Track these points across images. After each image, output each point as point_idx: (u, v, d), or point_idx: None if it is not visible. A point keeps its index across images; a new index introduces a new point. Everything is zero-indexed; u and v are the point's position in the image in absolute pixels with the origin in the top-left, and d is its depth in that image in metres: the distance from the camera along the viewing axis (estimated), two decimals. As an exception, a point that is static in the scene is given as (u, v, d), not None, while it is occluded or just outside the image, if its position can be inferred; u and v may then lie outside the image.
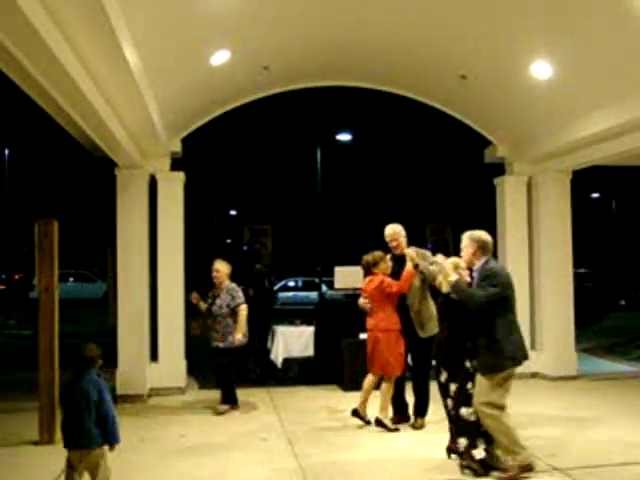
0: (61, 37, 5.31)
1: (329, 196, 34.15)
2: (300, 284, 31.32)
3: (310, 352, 10.59)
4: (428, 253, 7.86)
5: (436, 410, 7.32)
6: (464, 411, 5.90)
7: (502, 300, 5.82)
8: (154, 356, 10.07)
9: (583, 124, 9.14)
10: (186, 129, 10.43)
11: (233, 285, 8.86)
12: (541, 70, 8.56)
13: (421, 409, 7.72)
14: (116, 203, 9.79)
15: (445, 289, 6.09)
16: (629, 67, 7.64)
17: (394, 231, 7.85)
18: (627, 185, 12.22)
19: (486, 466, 5.82)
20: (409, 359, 7.92)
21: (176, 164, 10.49)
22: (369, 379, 7.65)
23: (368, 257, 7.67)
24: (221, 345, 8.63)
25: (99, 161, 9.79)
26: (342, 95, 12.24)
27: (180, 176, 10.34)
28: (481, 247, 6.03)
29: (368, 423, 7.59)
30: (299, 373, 11.15)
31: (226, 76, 9.02)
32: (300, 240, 37.31)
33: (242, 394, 9.82)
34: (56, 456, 6.62)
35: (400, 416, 7.82)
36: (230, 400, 8.75)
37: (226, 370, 8.69)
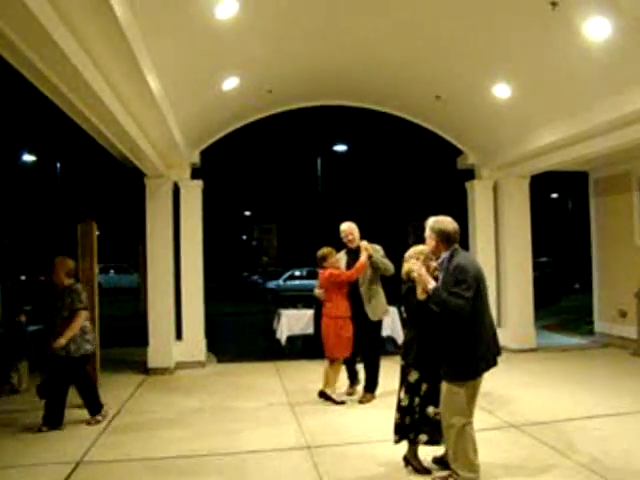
0: (96, 71, 5.45)
1: (328, 198, 34.29)
2: (305, 273, 31.33)
3: (310, 330, 10.64)
4: (378, 247, 7.60)
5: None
6: (431, 410, 4.97)
7: (475, 297, 4.61)
8: (179, 335, 10.15)
9: (538, 136, 9.20)
10: (204, 143, 10.49)
11: (76, 286, 6.63)
12: (502, 91, 8.62)
13: (371, 386, 7.49)
14: (145, 207, 9.87)
15: (422, 297, 4.88)
16: (576, 87, 7.70)
17: (349, 227, 7.67)
18: (580, 187, 12.37)
19: (443, 463, 4.98)
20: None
21: (196, 173, 10.54)
22: (327, 363, 7.44)
23: (319, 252, 7.47)
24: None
25: (131, 171, 9.87)
26: (339, 112, 12.25)
27: (199, 184, 10.40)
28: (443, 239, 4.82)
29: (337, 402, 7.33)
30: (301, 348, 11.21)
31: (236, 99, 9.08)
32: (304, 235, 37.37)
33: (252, 368, 10.00)
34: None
35: (352, 387, 7.76)
36: (49, 422, 6.38)
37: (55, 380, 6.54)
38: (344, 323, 7.25)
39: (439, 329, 4.77)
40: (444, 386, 4.73)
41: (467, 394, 4.66)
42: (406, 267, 5.12)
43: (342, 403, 7.31)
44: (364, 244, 7.38)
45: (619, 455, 5.28)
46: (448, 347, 4.71)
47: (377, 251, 7.53)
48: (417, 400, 5.02)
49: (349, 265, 7.50)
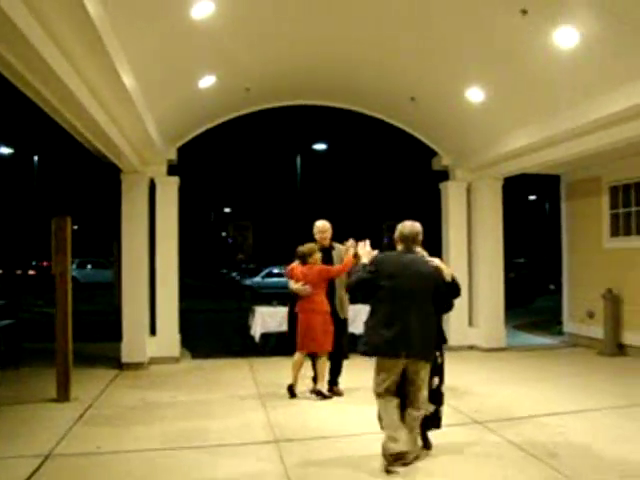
0: (72, 69, 5.52)
1: (306, 196, 34.39)
2: (283, 271, 31.43)
3: (284, 328, 10.69)
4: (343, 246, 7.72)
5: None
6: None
7: (377, 289, 5.14)
8: (153, 331, 10.19)
9: (510, 140, 9.41)
10: (180, 140, 10.52)
11: None
12: (475, 95, 8.80)
13: (336, 379, 7.73)
14: (121, 202, 9.91)
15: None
16: (546, 93, 7.90)
17: (324, 225, 7.76)
18: (555, 189, 12.58)
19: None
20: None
21: (172, 170, 10.58)
22: (299, 357, 7.57)
23: (304, 249, 7.53)
24: None
25: (108, 167, 9.89)
26: (319, 111, 12.36)
27: (175, 180, 10.44)
28: (398, 239, 5.39)
29: (296, 396, 7.51)
30: (276, 346, 11.24)
31: (213, 96, 9.14)
32: (283, 233, 37.43)
33: (226, 363, 10.09)
34: (69, 411, 6.92)
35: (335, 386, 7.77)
36: None
37: None
38: (329, 318, 7.43)
39: None
40: None
41: (375, 367, 5.23)
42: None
43: (331, 397, 7.49)
44: (350, 242, 7.39)
45: (577, 450, 5.46)
46: None
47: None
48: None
49: (323, 262, 7.59)
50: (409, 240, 5.32)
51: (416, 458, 5.19)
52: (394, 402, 5.16)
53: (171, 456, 5.51)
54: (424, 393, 5.21)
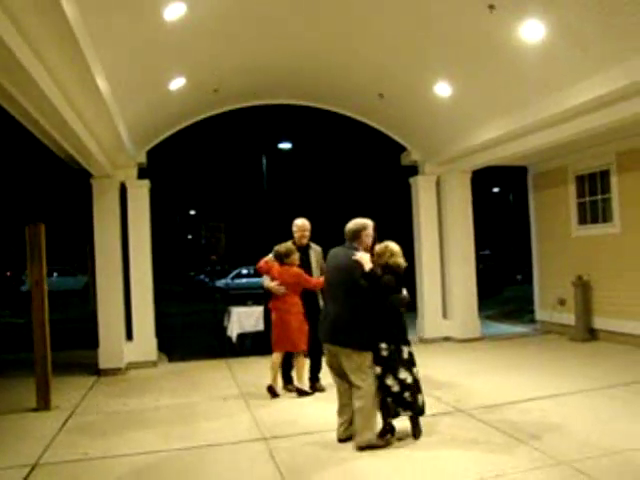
0: (46, 73, 5.45)
1: (273, 195, 34.38)
2: (252, 271, 31.38)
3: (261, 327, 10.72)
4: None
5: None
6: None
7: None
8: (129, 336, 10.14)
9: (475, 134, 9.60)
10: (150, 143, 10.47)
11: None
12: (442, 90, 8.93)
13: (317, 375, 7.79)
14: (92, 207, 9.80)
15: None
16: (513, 86, 8.06)
17: (304, 225, 7.71)
18: (520, 181, 12.88)
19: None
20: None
21: (142, 173, 10.51)
22: (277, 357, 7.58)
23: (281, 249, 7.50)
24: None
25: (77, 172, 9.79)
26: (283, 110, 12.40)
27: (146, 183, 10.39)
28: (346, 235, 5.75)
29: (278, 396, 7.54)
30: (252, 345, 11.27)
31: (183, 98, 9.13)
32: (251, 233, 37.37)
33: (204, 365, 10.08)
34: (51, 419, 6.86)
35: (288, 384, 7.84)
36: None
37: None
38: (303, 318, 7.45)
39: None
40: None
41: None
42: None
43: (312, 394, 7.56)
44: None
45: (559, 432, 5.64)
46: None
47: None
48: (415, 370, 5.58)
49: (302, 260, 7.57)
50: (346, 237, 5.72)
51: (380, 447, 5.35)
52: (339, 387, 5.70)
53: (160, 459, 5.51)
54: (359, 384, 5.37)
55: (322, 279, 7.02)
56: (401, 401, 5.46)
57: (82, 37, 4.97)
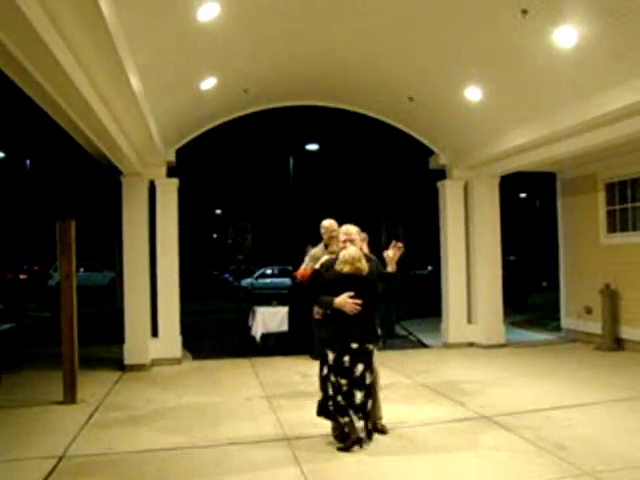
0: (81, 71, 5.54)
1: (300, 196, 34.46)
2: (276, 271, 31.53)
3: (285, 328, 10.76)
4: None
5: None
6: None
7: None
8: (155, 332, 10.22)
9: (506, 139, 9.54)
10: (180, 142, 10.57)
11: None
12: (473, 94, 8.90)
13: None
14: (122, 204, 9.92)
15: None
16: (545, 92, 8.00)
17: (332, 225, 7.32)
18: (548, 187, 12.80)
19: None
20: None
21: (171, 171, 10.62)
22: None
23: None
24: None
25: (107, 169, 9.92)
26: (311, 112, 12.46)
27: (174, 182, 10.48)
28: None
29: None
30: (276, 345, 11.32)
31: (213, 98, 9.21)
32: (276, 234, 37.53)
33: (228, 364, 10.14)
34: (77, 413, 6.95)
35: None
36: None
37: None
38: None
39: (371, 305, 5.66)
40: (374, 352, 5.64)
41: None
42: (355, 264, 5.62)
43: None
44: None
45: (582, 442, 5.56)
46: (375, 318, 5.71)
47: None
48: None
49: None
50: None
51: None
52: None
53: (184, 455, 5.55)
54: None
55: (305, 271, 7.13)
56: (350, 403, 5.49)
57: (117, 35, 5.04)
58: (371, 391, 5.62)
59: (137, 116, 7.16)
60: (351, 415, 5.47)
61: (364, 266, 5.59)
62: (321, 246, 7.58)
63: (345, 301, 5.49)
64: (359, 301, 5.50)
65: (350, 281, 5.56)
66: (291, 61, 8.91)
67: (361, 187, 37.50)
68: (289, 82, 9.89)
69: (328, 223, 7.50)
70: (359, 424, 5.52)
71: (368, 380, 5.54)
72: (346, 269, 5.56)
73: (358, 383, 5.49)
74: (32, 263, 35.80)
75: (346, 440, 5.51)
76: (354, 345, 5.49)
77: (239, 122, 11.44)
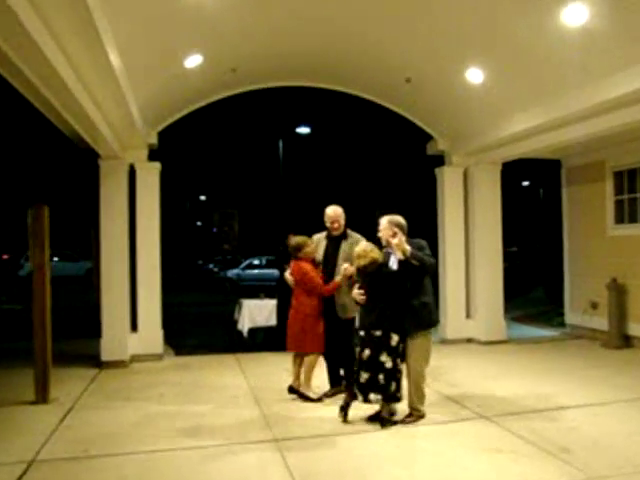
0: (55, 45, 5.41)
1: (290, 182, 34.34)
2: (264, 262, 31.48)
3: (273, 322, 10.71)
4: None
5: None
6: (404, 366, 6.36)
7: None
8: (134, 326, 10.13)
9: (508, 124, 9.47)
10: (162, 123, 10.44)
11: None
12: (474, 76, 8.81)
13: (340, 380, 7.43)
14: (99, 189, 9.79)
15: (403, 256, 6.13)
16: (551, 74, 7.94)
17: (335, 213, 7.27)
18: (552, 175, 12.77)
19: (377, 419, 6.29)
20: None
21: (153, 155, 10.49)
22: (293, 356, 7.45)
23: (291, 242, 7.30)
24: None
25: (84, 152, 9.79)
26: (302, 93, 12.36)
27: (156, 166, 10.35)
28: (401, 229, 6.36)
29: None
30: (263, 341, 11.27)
31: (198, 77, 9.07)
32: (265, 222, 37.38)
33: (213, 360, 10.09)
34: (50, 413, 6.87)
35: (335, 387, 7.43)
36: None
37: None
38: (312, 320, 7.19)
39: (404, 294, 6.19)
40: (418, 339, 6.22)
41: (431, 340, 6.41)
42: (369, 255, 6.25)
43: (319, 401, 7.24)
44: (346, 267, 6.98)
45: (590, 445, 5.55)
46: (417, 304, 6.18)
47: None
48: (398, 360, 6.18)
49: (328, 252, 7.31)
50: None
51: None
52: None
53: (165, 458, 5.50)
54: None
55: (331, 289, 7.10)
56: (374, 383, 6.05)
57: (96, 8, 4.92)
58: (396, 376, 6.16)
59: (116, 93, 7.00)
60: (355, 390, 6.23)
61: (377, 254, 6.24)
62: (323, 234, 7.46)
63: (354, 294, 6.40)
64: (361, 291, 6.28)
65: (366, 273, 6.29)
66: (281, 39, 8.79)
67: (355, 173, 37.41)
68: (280, 61, 9.76)
69: (332, 211, 7.35)
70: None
71: (388, 365, 6.08)
72: (362, 262, 6.23)
73: (366, 366, 6.11)
74: (1, 252, 35.47)
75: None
76: (361, 332, 6.23)
77: (226, 103, 11.32)
